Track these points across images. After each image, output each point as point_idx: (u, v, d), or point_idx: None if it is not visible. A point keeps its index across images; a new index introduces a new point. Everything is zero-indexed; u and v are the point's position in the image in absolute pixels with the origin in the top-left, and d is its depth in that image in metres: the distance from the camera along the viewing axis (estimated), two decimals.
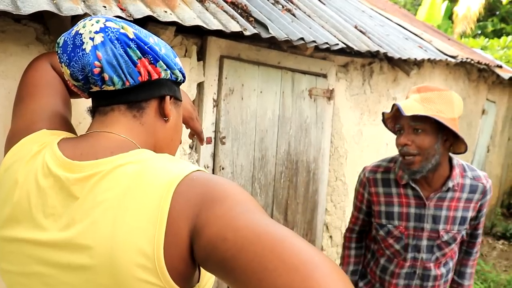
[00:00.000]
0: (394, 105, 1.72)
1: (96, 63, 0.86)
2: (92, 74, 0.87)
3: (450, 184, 1.79)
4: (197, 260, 0.76)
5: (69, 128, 1.03)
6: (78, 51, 0.86)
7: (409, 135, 1.71)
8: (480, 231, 1.97)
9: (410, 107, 1.66)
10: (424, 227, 1.84)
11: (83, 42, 0.86)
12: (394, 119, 1.84)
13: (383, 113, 1.84)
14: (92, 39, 0.86)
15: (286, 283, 0.63)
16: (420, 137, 1.69)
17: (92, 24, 0.88)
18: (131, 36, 0.89)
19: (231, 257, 0.69)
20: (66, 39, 0.89)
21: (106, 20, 0.89)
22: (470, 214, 1.85)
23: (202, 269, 0.84)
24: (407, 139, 1.71)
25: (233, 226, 0.71)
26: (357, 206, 2.07)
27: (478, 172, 1.88)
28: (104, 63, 0.86)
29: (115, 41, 0.88)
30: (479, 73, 5.36)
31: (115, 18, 0.93)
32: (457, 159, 1.86)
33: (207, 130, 2.20)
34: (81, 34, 0.87)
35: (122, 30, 0.89)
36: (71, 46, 0.87)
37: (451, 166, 1.83)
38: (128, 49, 0.89)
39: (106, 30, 0.88)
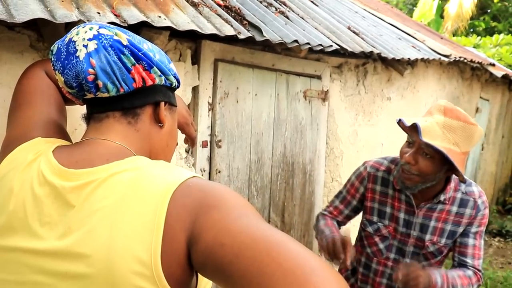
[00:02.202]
0: (414, 123, 1.61)
1: (90, 70, 0.86)
2: (86, 81, 0.86)
3: (442, 197, 1.76)
4: (195, 266, 0.76)
5: (64, 135, 1.03)
6: (72, 58, 0.86)
7: (416, 154, 1.64)
8: (469, 260, 1.76)
9: (430, 131, 1.58)
10: (411, 234, 1.81)
11: (77, 50, 0.86)
12: (409, 128, 1.71)
13: (400, 119, 1.71)
14: (85, 46, 0.86)
15: (284, 287, 0.63)
16: (426, 162, 1.63)
17: (86, 31, 0.88)
18: (125, 42, 0.89)
19: (228, 262, 0.69)
20: (59, 46, 0.89)
21: (100, 27, 0.89)
22: (461, 230, 1.79)
23: (199, 275, 0.84)
24: (413, 158, 1.64)
25: (230, 231, 0.71)
26: (346, 199, 1.99)
27: (473, 187, 1.81)
28: (98, 70, 0.86)
29: (109, 48, 0.87)
30: (472, 72, 5.39)
31: (108, 24, 0.93)
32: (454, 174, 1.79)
33: (203, 134, 2.20)
34: (74, 42, 0.87)
35: (115, 37, 0.89)
36: (65, 53, 0.87)
37: (447, 180, 1.78)
38: (122, 55, 0.88)
39: (100, 37, 0.87)
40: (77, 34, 0.88)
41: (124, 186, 0.79)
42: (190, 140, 1.36)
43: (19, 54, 1.43)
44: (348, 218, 2.02)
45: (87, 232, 0.77)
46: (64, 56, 0.87)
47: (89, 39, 0.87)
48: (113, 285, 0.74)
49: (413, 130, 1.65)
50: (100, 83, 0.87)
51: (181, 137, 1.86)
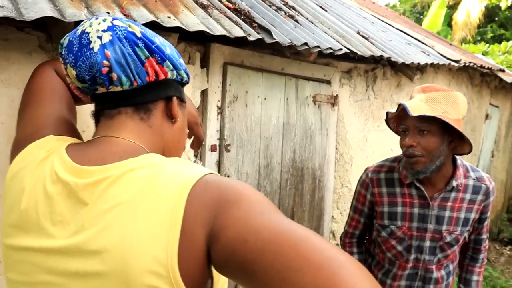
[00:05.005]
0: (400, 105, 1.68)
1: (105, 62, 0.83)
2: (100, 74, 0.84)
3: (454, 183, 1.76)
4: (215, 265, 0.73)
5: (75, 134, 1.01)
6: (85, 50, 0.84)
7: (414, 136, 1.68)
8: (485, 236, 1.93)
9: (416, 107, 1.63)
10: (428, 227, 1.81)
11: (91, 41, 0.84)
12: (398, 120, 1.81)
13: (387, 113, 1.81)
14: (100, 37, 0.84)
15: (310, 282, 0.61)
16: (426, 138, 1.66)
17: (99, 23, 0.85)
18: (139, 35, 0.87)
19: (252, 259, 0.66)
20: (71, 39, 0.86)
21: (113, 19, 0.87)
22: (473, 215, 1.82)
23: (214, 277, 0.81)
24: (413, 140, 1.67)
25: (252, 227, 0.69)
26: (358, 208, 2.01)
27: (482, 173, 1.85)
28: (113, 62, 0.84)
29: (124, 40, 0.85)
30: (481, 78, 5.35)
31: (120, 17, 0.91)
32: (460, 160, 1.83)
33: (212, 138, 2.17)
34: (88, 33, 0.84)
35: (129, 29, 0.87)
36: (78, 45, 0.85)
37: (454, 166, 1.80)
38: (136, 48, 0.86)
39: (114, 28, 0.85)
40: (90, 26, 0.85)
41: (140, 183, 0.76)
42: (198, 141, 1.33)
43: (27, 54, 1.42)
44: (367, 226, 2.03)
45: (101, 230, 0.74)
46: (76, 48, 0.85)
47: (103, 31, 0.84)
48: (126, 284, 0.71)
49: (401, 116, 1.74)
50: (115, 76, 0.85)
51: (188, 141, 1.84)
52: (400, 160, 1.89)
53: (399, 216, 1.84)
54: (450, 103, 1.65)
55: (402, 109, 1.72)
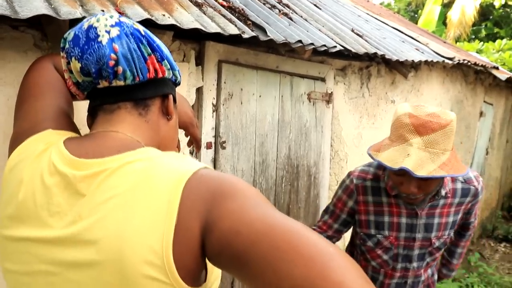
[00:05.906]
0: (401, 169, 1.49)
1: (112, 55, 0.86)
2: (106, 66, 0.87)
3: (443, 192, 1.70)
4: (209, 256, 0.75)
5: (73, 127, 1.02)
6: (93, 43, 0.86)
7: (414, 183, 1.56)
8: (473, 219, 1.94)
9: (417, 162, 1.47)
10: (416, 237, 1.76)
11: (99, 35, 0.87)
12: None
13: (371, 155, 1.61)
14: (108, 32, 0.87)
15: (303, 273, 0.63)
16: (427, 183, 1.56)
17: (107, 19, 0.89)
18: (143, 33, 0.92)
19: (245, 250, 0.69)
20: (77, 33, 0.89)
21: (119, 16, 0.92)
22: (460, 215, 1.80)
23: (208, 269, 0.83)
24: (414, 187, 1.56)
25: (246, 219, 0.71)
26: (335, 213, 1.91)
27: (469, 173, 1.79)
28: (120, 56, 0.87)
29: (130, 36, 0.89)
30: (475, 76, 5.38)
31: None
32: None
33: (207, 135, 2.18)
34: (95, 28, 0.87)
35: (135, 26, 0.91)
36: (85, 39, 0.87)
37: None
38: (140, 44, 0.90)
39: (122, 24, 0.89)
40: (97, 21, 0.88)
41: (137, 175, 0.78)
42: (196, 142, 1.35)
43: (23, 53, 1.43)
44: (339, 232, 1.94)
45: (97, 220, 0.76)
46: (83, 42, 0.87)
47: (112, 26, 0.88)
48: (122, 273, 0.73)
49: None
50: (120, 69, 0.87)
51: (184, 139, 1.85)
52: (384, 168, 1.76)
53: (386, 225, 1.77)
54: (448, 137, 1.51)
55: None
